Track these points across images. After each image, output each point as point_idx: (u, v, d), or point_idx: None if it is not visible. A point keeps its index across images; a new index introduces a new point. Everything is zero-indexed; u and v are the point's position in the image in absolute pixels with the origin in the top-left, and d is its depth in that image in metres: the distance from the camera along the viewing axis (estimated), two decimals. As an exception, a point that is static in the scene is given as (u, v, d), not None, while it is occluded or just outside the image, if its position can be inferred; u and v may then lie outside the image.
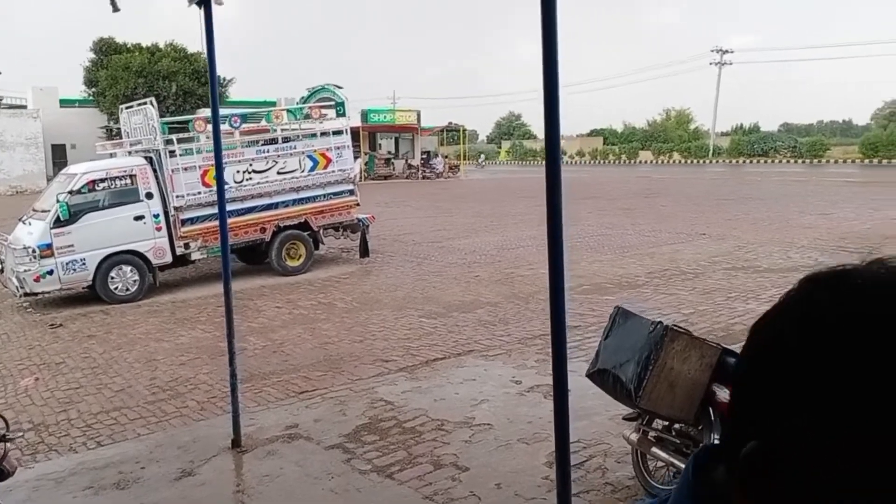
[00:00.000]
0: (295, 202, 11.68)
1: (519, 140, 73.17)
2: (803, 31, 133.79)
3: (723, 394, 3.58)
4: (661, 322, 3.62)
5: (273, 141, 12.06)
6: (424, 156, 39.79)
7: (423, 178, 37.42)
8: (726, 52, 59.85)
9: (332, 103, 12.99)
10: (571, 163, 59.33)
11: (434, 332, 7.75)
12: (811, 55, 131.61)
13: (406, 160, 39.09)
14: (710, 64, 60.49)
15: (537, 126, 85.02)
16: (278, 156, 11.62)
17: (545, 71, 2.80)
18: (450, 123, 43.40)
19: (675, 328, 3.60)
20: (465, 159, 45.68)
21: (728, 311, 7.86)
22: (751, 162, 50.24)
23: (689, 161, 53.67)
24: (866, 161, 45.14)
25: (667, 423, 3.87)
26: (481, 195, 27.62)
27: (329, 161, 12.01)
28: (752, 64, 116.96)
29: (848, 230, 14.51)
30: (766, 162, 49.47)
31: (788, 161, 49.19)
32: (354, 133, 21.55)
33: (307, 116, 12.48)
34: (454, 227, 17.13)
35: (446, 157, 43.78)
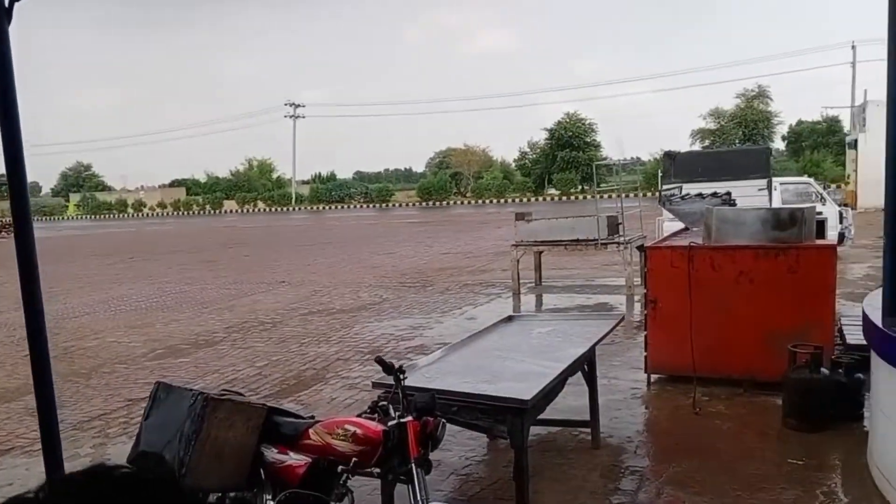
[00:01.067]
0: None
1: (91, 192, 66.71)
2: (367, 87, 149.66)
3: (271, 454, 3.58)
4: (201, 393, 3.48)
5: None
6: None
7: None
8: (299, 105, 63.54)
9: None
10: (153, 215, 56.21)
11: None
12: (376, 111, 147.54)
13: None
14: (286, 116, 63.53)
15: (112, 176, 78.76)
16: None
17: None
18: (-2, 176, 37.41)
19: (216, 397, 3.49)
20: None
21: (300, 357, 8.10)
22: (330, 208, 53.76)
23: (273, 209, 55.12)
24: (423, 203, 51.93)
25: (220, 496, 3.72)
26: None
27: None
28: (326, 117, 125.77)
29: (409, 266, 16.36)
30: (343, 207, 53.45)
31: (362, 206, 53.95)
32: None
33: None
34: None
35: (-3, 214, 37.61)
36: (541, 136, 56.31)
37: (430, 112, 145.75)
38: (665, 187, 13.22)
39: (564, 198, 48.31)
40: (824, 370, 5.27)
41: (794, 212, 6.37)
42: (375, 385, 3.96)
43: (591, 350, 4.94)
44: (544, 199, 49.11)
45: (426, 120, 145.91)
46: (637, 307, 10.19)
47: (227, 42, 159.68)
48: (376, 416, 3.47)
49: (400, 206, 53.47)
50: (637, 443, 5.17)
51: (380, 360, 3.48)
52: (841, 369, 5.41)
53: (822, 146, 47.17)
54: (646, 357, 6.53)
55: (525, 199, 49.39)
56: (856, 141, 28.02)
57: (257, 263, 18.54)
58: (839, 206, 14.90)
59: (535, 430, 5.10)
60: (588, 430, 5.17)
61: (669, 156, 15.76)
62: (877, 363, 4.21)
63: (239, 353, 8.56)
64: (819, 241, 6.52)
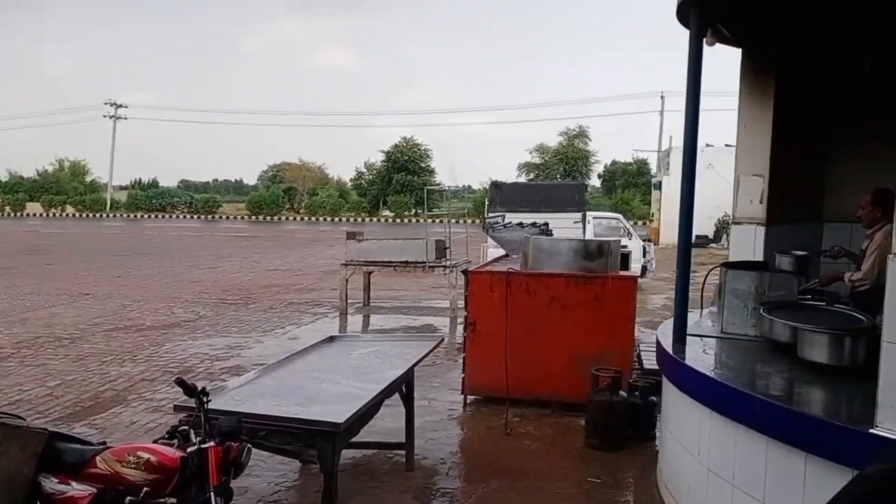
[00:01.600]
0: None
1: None
2: (199, 93, 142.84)
3: (50, 484, 3.22)
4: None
5: None
6: None
7: None
8: (121, 105, 59.35)
9: None
10: (-63, 214, 49.79)
11: None
12: (208, 118, 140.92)
13: None
14: (105, 116, 59.07)
15: None
16: None
17: None
18: None
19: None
20: None
21: (100, 377, 7.43)
22: (150, 217, 50.46)
23: (84, 215, 50.78)
24: (253, 217, 50.24)
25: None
26: None
27: None
28: (151, 120, 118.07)
29: (231, 282, 15.67)
30: (164, 217, 50.36)
31: (186, 216, 51.19)
32: None
33: None
34: None
35: None
36: (378, 158, 56.76)
37: (265, 124, 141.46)
38: (490, 215, 13.72)
39: (398, 220, 48.82)
40: (623, 393, 5.65)
41: (602, 244, 6.83)
42: (177, 408, 3.70)
43: (410, 371, 4.95)
44: (378, 220, 49.34)
45: (261, 132, 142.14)
46: (459, 329, 10.43)
47: (49, 32, 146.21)
48: (175, 441, 3.23)
49: (228, 218, 51.37)
50: (450, 464, 5.24)
51: (181, 382, 3.25)
52: (637, 392, 5.84)
53: (632, 186, 51.45)
54: (463, 378, 6.67)
55: (360, 219, 49.35)
56: (660, 183, 30.86)
57: (61, 273, 16.92)
58: (643, 241, 16.22)
59: (349, 453, 5.02)
60: (403, 452, 5.16)
61: (496, 185, 16.43)
62: (667, 386, 4.58)
63: (28, 371, 7.70)
64: (622, 273, 7.03)
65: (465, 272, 11.26)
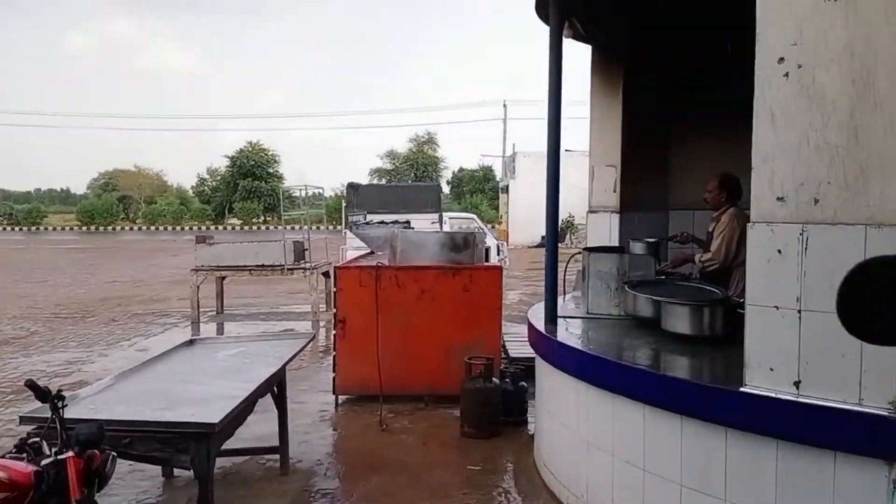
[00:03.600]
0: None
1: None
2: (15, 95, 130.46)
3: None
4: None
5: None
6: None
7: None
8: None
9: None
10: None
11: None
12: (24, 121, 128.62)
13: None
14: None
15: None
16: None
17: None
18: None
19: None
20: None
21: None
22: (-39, 230, 45.47)
23: None
24: (84, 228, 46.56)
25: None
26: None
27: None
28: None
29: (66, 296, 14.38)
30: (-22, 230, 45.58)
31: (6, 228, 46.61)
32: None
33: None
34: None
35: None
36: (222, 164, 54.50)
37: (93, 128, 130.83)
38: (352, 215, 13.58)
39: (247, 227, 47.13)
40: (495, 380, 5.73)
41: (468, 236, 6.91)
42: (24, 420, 3.28)
43: (282, 370, 4.73)
44: (226, 228, 47.38)
45: (89, 137, 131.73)
46: (323, 332, 10.19)
47: None
48: (25, 455, 2.85)
49: (55, 229, 47.27)
50: (327, 465, 5.06)
51: (32, 385, 2.88)
52: (508, 378, 5.94)
53: (480, 191, 52.95)
54: (334, 378, 6.49)
55: (204, 228, 47.07)
56: (507, 186, 31.98)
57: None
58: (496, 240, 16.70)
59: (218, 461, 4.70)
60: (277, 457, 4.92)
61: (353, 187, 16.26)
62: (541, 366, 4.68)
63: None
64: (488, 263, 7.15)
65: (327, 274, 11.07)
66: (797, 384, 2.87)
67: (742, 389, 3.03)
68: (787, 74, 2.93)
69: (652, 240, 5.74)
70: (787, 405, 2.87)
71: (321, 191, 15.29)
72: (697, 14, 5.28)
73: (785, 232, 2.91)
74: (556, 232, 4.93)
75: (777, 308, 2.93)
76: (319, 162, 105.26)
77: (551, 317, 4.70)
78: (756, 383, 3.00)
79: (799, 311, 2.86)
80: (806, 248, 2.85)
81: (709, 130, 6.37)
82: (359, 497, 4.48)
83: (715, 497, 3.16)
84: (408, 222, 10.06)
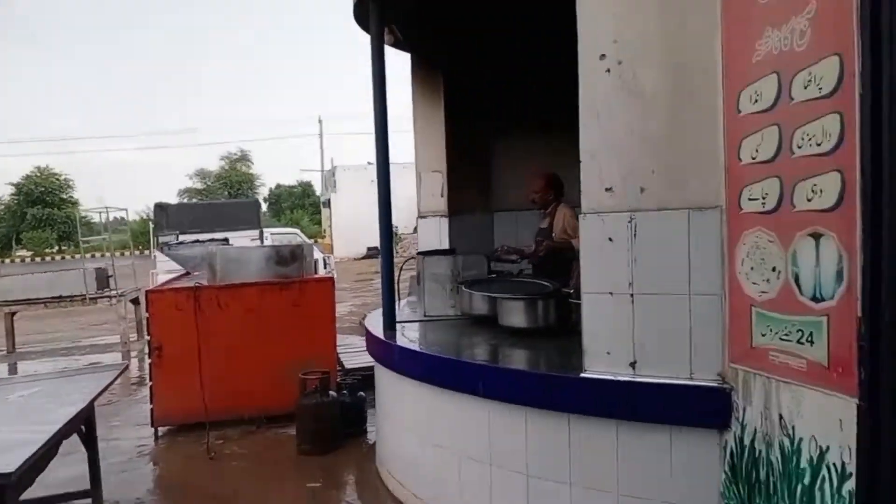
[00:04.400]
0: None
1: None
2: None
3: None
4: None
5: None
6: None
7: None
8: None
9: None
10: None
11: None
12: None
13: None
14: None
15: None
16: None
17: None
18: None
19: None
20: None
21: None
22: None
23: None
24: None
25: None
26: None
27: None
28: None
29: None
30: None
31: None
32: None
33: None
34: None
35: None
36: (5, 192, 48.90)
37: None
38: (162, 237, 12.64)
39: (38, 258, 42.60)
40: (332, 393, 5.51)
41: (295, 249, 6.63)
42: None
43: (90, 407, 4.20)
44: (13, 261, 42.47)
45: None
46: (135, 363, 9.34)
47: None
48: None
49: None
50: (149, 502, 4.57)
51: None
52: (346, 390, 5.75)
53: (300, 207, 51.94)
54: (152, 410, 5.93)
55: (-15, 261, 41.91)
56: (329, 200, 31.64)
57: None
58: (322, 254, 16.38)
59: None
60: (89, 500, 4.35)
61: (162, 207, 15.20)
62: (381, 372, 4.55)
63: None
64: (318, 275, 6.91)
65: (137, 301, 10.20)
66: (633, 365, 2.98)
67: (582, 375, 3.10)
68: (608, 70, 3.05)
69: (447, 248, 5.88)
70: (625, 385, 2.97)
71: (124, 213, 14.11)
72: (515, 17, 5.45)
73: (614, 221, 3.02)
74: (390, 239, 4.85)
75: (611, 294, 3.04)
76: (121, 185, 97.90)
77: (389, 323, 4.59)
78: (595, 368, 3.08)
79: (631, 296, 2.98)
80: (635, 235, 2.97)
81: (526, 132, 6.58)
82: (189, 535, 4.07)
83: (560, 482, 3.20)
84: (226, 240, 9.50)
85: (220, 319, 6.05)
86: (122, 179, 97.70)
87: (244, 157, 54.54)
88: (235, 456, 5.35)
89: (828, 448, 2.20)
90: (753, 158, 2.58)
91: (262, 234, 14.33)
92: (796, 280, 2.33)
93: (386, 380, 4.45)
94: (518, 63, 6.16)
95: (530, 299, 4.11)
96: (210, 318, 6.02)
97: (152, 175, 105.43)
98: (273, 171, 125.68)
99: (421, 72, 6.44)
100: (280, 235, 15.92)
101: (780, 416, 2.43)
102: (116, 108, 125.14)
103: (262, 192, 56.08)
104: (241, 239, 12.97)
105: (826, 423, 2.21)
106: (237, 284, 6.22)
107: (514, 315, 4.11)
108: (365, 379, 5.95)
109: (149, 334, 6.13)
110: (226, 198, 49.18)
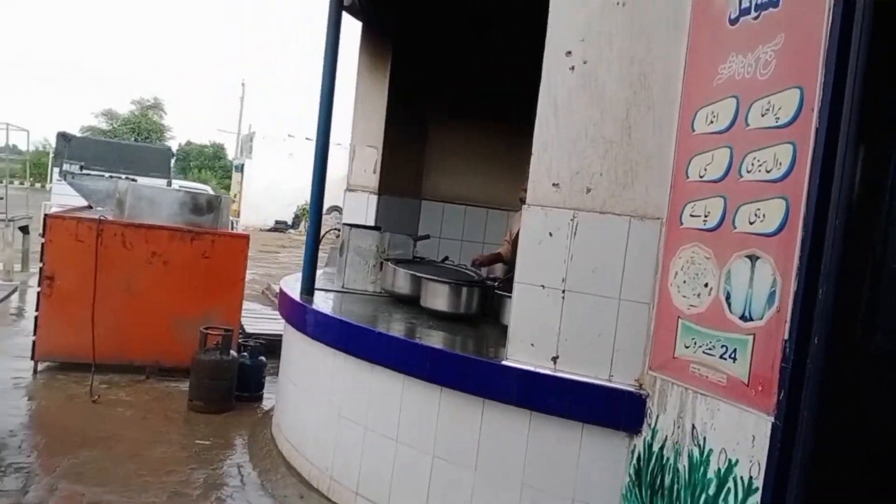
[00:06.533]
0: None
1: None
2: None
3: None
4: None
5: None
6: None
7: None
8: None
9: None
10: None
11: None
12: None
13: None
14: None
15: None
16: None
17: None
18: None
19: None
20: None
21: None
22: None
23: None
24: None
25: None
26: None
27: None
28: None
29: None
30: None
31: None
32: None
33: None
34: None
35: None
36: None
37: None
38: (65, 165, 11.89)
39: None
40: (233, 353, 5.34)
41: (213, 199, 6.40)
42: None
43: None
44: None
45: None
46: (17, 295, 8.74)
47: None
48: None
49: None
50: (22, 437, 4.28)
51: None
52: (246, 352, 5.59)
53: (209, 168, 50.05)
54: (34, 342, 5.57)
55: None
56: (242, 166, 30.66)
57: None
58: (231, 218, 15.84)
59: None
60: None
61: (65, 137, 14.30)
62: (292, 336, 4.43)
63: None
64: (234, 231, 6.69)
65: (26, 229, 9.59)
66: (555, 359, 3.05)
67: (504, 363, 3.14)
68: (573, 68, 3.11)
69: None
70: (543, 378, 3.03)
71: (12, 146, 13.17)
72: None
73: (557, 216, 3.08)
74: (321, 204, 4.73)
75: (543, 287, 3.09)
76: (13, 115, 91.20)
77: (308, 288, 4.50)
78: (517, 357, 3.13)
79: (563, 291, 3.04)
80: (575, 233, 3.04)
81: (465, 122, 6.46)
82: (63, 472, 3.84)
83: (465, 467, 3.22)
84: (134, 181, 9.02)
85: (124, 258, 5.75)
86: (16, 110, 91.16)
87: (157, 106, 52.00)
88: (121, 402, 5.10)
89: (737, 461, 2.32)
90: (701, 176, 2.69)
91: (171, 184, 13.73)
92: (727, 298, 2.44)
93: (296, 344, 4.35)
94: (470, 51, 6.10)
95: (456, 284, 4.13)
96: (112, 254, 5.71)
97: (55, 109, 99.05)
98: (186, 127, 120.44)
99: (369, 41, 6.31)
100: (191, 189, 15.28)
101: (693, 427, 2.55)
102: (26, 33, 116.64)
103: (171, 145, 53.72)
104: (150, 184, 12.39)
105: (738, 437, 2.32)
106: (147, 225, 5.93)
107: (438, 298, 4.11)
108: (266, 346, 5.81)
109: (42, 262, 5.75)
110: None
